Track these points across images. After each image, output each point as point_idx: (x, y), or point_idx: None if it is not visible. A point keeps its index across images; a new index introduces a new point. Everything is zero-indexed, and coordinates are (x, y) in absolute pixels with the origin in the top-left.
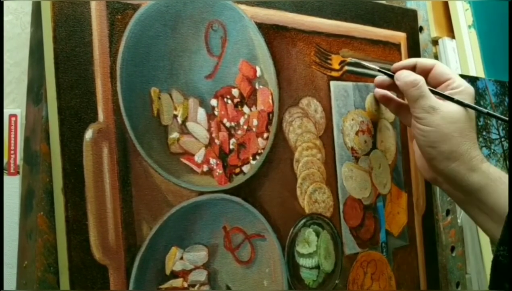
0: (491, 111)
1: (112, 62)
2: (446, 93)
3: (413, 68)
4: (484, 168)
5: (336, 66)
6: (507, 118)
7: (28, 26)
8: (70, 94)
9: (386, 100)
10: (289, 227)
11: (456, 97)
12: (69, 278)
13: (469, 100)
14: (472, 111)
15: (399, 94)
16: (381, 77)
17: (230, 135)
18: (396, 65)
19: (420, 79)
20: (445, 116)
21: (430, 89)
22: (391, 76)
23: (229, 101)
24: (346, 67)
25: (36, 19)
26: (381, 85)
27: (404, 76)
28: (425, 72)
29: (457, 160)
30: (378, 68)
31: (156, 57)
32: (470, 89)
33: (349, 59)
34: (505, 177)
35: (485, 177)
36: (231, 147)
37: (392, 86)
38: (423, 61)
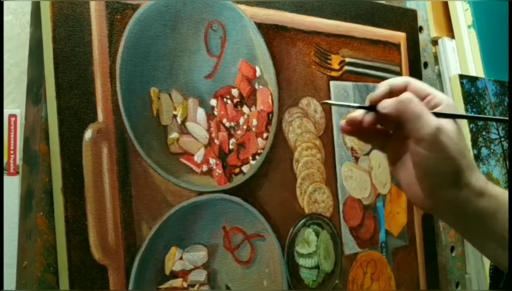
0: (491, 116)
1: (112, 62)
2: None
3: (389, 94)
4: (491, 190)
5: (335, 66)
6: (507, 118)
7: (27, 26)
8: (69, 94)
9: (367, 136)
10: (289, 227)
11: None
12: (68, 278)
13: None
14: (462, 130)
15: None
16: (355, 116)
17: (230, 136)
18: (374, 96)
19: (413, 96)
20: (450, 137)
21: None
22: (373, 109)
23: (229, 101)
24: (346, 67)
25: (35, 19)
26: (368, 123)
27: (393, 101)
28: (400, 93)
29: (466, 186)
30: (357, 105)
31: (156, 57)
32: (451, 102)
33: (322, 103)
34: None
35: (493, 200)
36: (230, 147)
37: (377, 121)
38: (395, 81)
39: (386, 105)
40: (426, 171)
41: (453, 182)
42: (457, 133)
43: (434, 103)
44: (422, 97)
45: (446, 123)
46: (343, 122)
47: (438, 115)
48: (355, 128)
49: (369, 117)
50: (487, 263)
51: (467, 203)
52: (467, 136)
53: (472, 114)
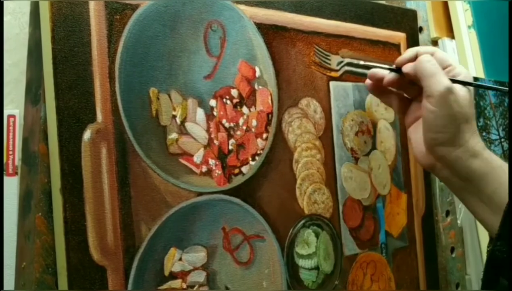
0: (496, 86)
1: (111, 63)
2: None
3: (414, 58)
4: (486, 155)
5: (335, 66)
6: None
7: (26, 26)
8: (68, 94)
9: (383, 94)
10: (289, 227)
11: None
12: (67, 279)
13: (470, 87)
14: (472, 100)
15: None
16: (390, 76)
17: (229, 136)
18: (401, 58)
19: (431, 57)
20: (457, 99)
21: None
22: (398, 71)
23: (228, 102)
24: (346, 68)
25: (34, 19)
26: (390, 83)
27: (415, 61)
28: None
29: (462, 146)
30: (388, 66)
31: (155, 58)
32: (470, 75)
33: (348, 60)
34: (506, 165)
35: (486, 164)
36: (230, 147)
37: (401, 83)
38: (423, 49)
39: (408, 66)
40: (430, 124)
41: (451, 139)
42: (465, 100)
43: (453, 73)
44: (444, 67)
45: (458, 88)
46: (368, 81)
47: (452, 81)
48: (375, 85)
49: (390, 76)
50: None
51: (460, 161)
52: None
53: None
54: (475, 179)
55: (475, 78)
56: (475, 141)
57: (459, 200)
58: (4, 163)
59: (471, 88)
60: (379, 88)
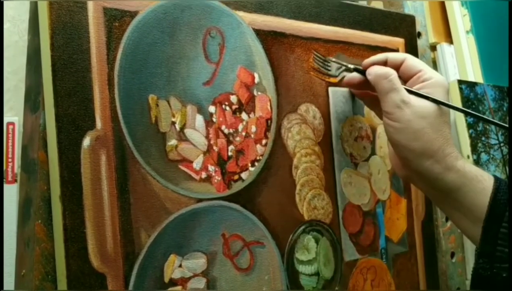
0: (463, 108)
1: (110, 70)
2: (417, 86)
3: (384, 63)
4: (459, 166)
5: (334, 72)
6: (467, 110)
7: (25, 33)
8: (67, 101)
9: (360, 95)
10: (288, 233)
11: (427, 89)
12: (67, 286)
13: (442, 92)
14: (444, 107)
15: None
16: (351, 75)
17: (229, 142)
18: (367, 61)
19: (392, 72)
20: (416, 111)
21: (405, 88)
22: (363, 72)
23: (227, 108)
24: (345, 73)
25: (33, 26)
26: (350, 83)
27: (376, 70)
28: (396, 67)
29: (431, 157)
30: (350, 65)
31: (154, 64)
32: (442, 80)
33: (314, 54)
34: (482, 175)
35: (461, 175)
36: (229, 153)
37: (363, 85)
38: (394, 55)
39: (370, 72)
40: (392, 139)
41: (416, 151)
42: (430, 110)
43: (423, 79)
44: (413, 73)
45: (416, 99)
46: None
47: (410, 92)
48: (350, 85)
49: (350, 76)
50: None
51: (433, 174)
52: (466, 142)
53: (472, 118)
54: (451, 191)
55: (474, 83)
56: (446, 151)
57: (441, 211)
58: (3, 170)
59: (444, 94)
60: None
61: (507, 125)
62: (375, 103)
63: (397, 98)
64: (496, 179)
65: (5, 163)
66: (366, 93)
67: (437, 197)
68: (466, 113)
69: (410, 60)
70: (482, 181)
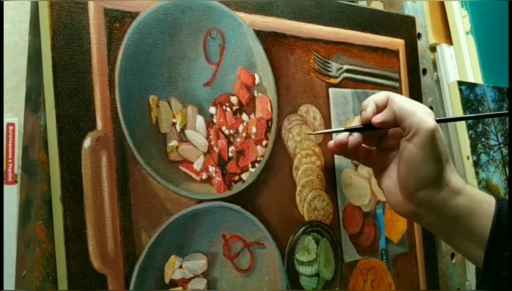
0: (486, 113)
1: (111, 70)
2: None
3: (381, 107)
4: (469, 190)
5: (334, 73)
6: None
7: (25, 34)
8: (68, 102)
9: (348, 152)
10: (289, 234)
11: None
12: (67, 287)
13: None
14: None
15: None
16: (350, 138)
17: (229, 143)
18: (365, 116)
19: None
20: (442, 138)
21: None
22: (367, 127)
23: (228, 109)
24: (345, 74)
25: (34, 27)
26: (349, 144)
27: (386, 109)
28: (384, 107)
29: (446, 186)
30: (350, 128)
31: (155, 65)
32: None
33: (315, 55)
34: (489, 197)
35: (470, 200)
36: (230, 154)
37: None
38: (376, 97)
39: (380, 116)
40: (414, 167)
41: (435, 180)
42: (444, 138)
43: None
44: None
45: (438, 126)
46: (331, 143)
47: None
48: (342, 149)
49: (354, 139)
50: None
51: (445, 202)
52: (466, 143)
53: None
54: (462, 217)
55: (474, 84)
56: (455, 178)
57: (449, 244)
58: (4, 171)
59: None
60: (341, 150)
61: (507, 112)
62: (372, 159)
63: (427, 119)
64: (498, 200)
65: (5, 164)
66: (360, 153)
67: (445, 229)
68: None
69: (393, 96)
70: (491, 203)
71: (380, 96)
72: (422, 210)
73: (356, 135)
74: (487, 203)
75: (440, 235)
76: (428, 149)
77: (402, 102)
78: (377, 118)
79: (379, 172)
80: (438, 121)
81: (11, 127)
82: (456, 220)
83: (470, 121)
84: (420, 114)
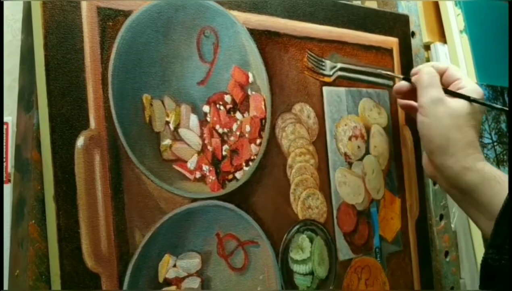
0: (493, 104)
1: (104, 69)
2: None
3: None
4: (479, 167)
5: (328, 71)
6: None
7: (19, 33)
8: (61, 101)
9: (408, 109)
10: (283, 233)
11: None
12: (61, 286)
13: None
14: (476, 111)
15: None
16: (399, 84)
17: (223, 142)
18: (413, 70)
19: (436, 73)
20: (448, 110)
21: (444, 89)
22: (409, 80)
23: (222, 108)
24: (339, 73)
25: (27, 26)
26: (400, 91)
27: (421, 70)
28: (439, 74)
29: (453, 156)
30: (399, 75)
31: (148, 64)
32: (476, 88)
33: (308, 53)
34: (501, 176)
35: (480, 175)
36: (223, 153)
37: (411, 95)
38: (438, 64)
39: (415, 71)
40: (420, 134)
41: (440, 148)
42: (461, 111)
43: (458, 87)
44: (452, 81)
45: (451, 101)
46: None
47: (447, 92)
48: (399, 94)
49: (398, 85)
50: None
51: (453, 172)
52: None
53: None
54: (469, 190)
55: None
56: (468, 152)
57: (464, 211)
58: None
59: (479, 94)
60: (405, 102)
61: (507, 109)
62: None
63: (434, 93)
64: None
65: None
66: (411, 106)
67: (457, 197)
68: (493, 108)
69: (452, 70)
70: (500, 182)
71: (440, 64)
72: (438, 174)
73: (402, 82)
74: (496, 181)
75: (456, 202)
76: (431, 120)
77: (423, 74)
78: (414, 78)
79: None
80: (450, 94)
81: (4, 126)
82: (464, 191)
83: None
84: (428, 88)
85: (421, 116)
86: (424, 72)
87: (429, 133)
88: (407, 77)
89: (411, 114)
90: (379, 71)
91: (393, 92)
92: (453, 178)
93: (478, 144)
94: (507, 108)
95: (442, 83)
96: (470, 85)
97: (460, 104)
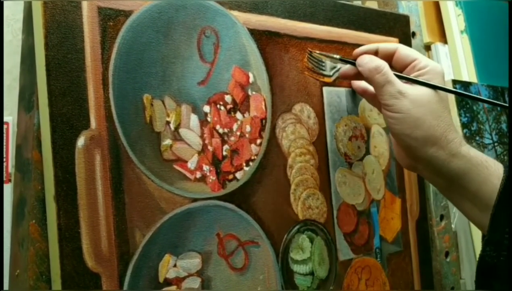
0: (460, 91)
1: (104, 69)
2: (413, 75)
3: (375, 53)
4: (464, 152)
5: (328, 72)
6: (471, 95)
7: (19, 33)
8: (62, 101)
9: (365, 94)
10: (283, 233)
11: (424, 77)
12: (61, 286)
13: (438, 80)
14: (443, 93)
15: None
16: (345, 67)
17: (223, 142)
18: (357, 50)
19: (384, 64)
20: (414, 99)
21: (395, 74)
22: (353, 64)
23: (222, 108)
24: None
25: (27, 26)
26: (346, 76)
27: (366, 63)
28: (389, 57)
29: (435, 144)
30: (338, 56)
31: (149, 64)
32: (438, 68)
33: (308, 52)
34: (487, 160)
35: (466, 161)
36: (224, 153)
37: (358, 75)
38: (385, 45)
39: (360, 63)
40: (394, 130)
41: (420, 139)
42: (428, 97)
43: (418, 67)
44: (409, 63)
45: (412, 88)
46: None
47: (400, 77)
48: (346, 78)
49: (344, 68)
50: None
51: (439, 162)
52: None
53: (466, 118)
54: (456, 178)
55: (468, 83)
56: (449, 137)
57: (447, 199)
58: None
59: (441, 81)
60: (360, 86)
61: (507, 105)
62: (376, 98)
63: (393, 90)
64: (506, 167)
65: None
66: (366, 90)
67: (442, 185)
68: (463, 96)
69: (403, 50)
70: (488, 167)
71: (387, 45)
72: (419, 165)
73: (348, 66)
74: (483, 166)
75: (440, 191)
76: (400, 115)
77: (375, 72)
78: (359, 63)
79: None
80: (399, 77)
81: (5, 126)
82: (451, 179)
83: (464, 119)
84: (385, 86)
85: (388, 112)
86: (372, 72)
87: (401, 128)
88: (346, 59)
89: (364, 97)
90: (314, 52)
91: (340, 77)
92: (437, 167)
93: (455, 127)
94: (478, 96)
95: (393, 67)
96: (431, 64)
97: (423, 89)
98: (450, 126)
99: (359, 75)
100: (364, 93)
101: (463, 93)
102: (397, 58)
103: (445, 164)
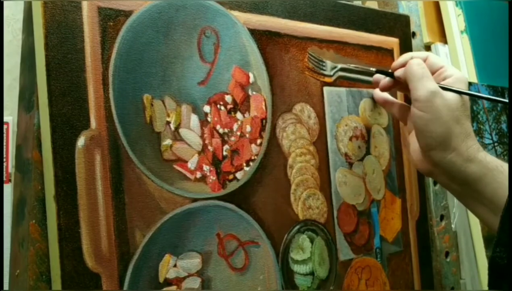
0: (488, 96)
1: (104, 69)
2: (439, 81)
3: None
4: (480, 157)
5: (329, 71)
6: (506, 100)
7: (19, 33)
8: (62, 101)
9: (386, 104)
10: (283, 233)
11: (449, 85)
12: (61, 286)
13: (463, 87)
14: (467, 101)
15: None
16: (384, 81)
17: (223, 142)
18: (395, 63)
19: (420, 60)
20: (445, 102)
21: None
22: (391, 75)
23: (222, 108)
24: (339, 73)
25: (27, 26)
26: (384, 88)
27: (411, 62)
28: None
29: (454, 150)
30: (374, 69)
31: (149, 64)
32: (463, 76)
33: (344, 66)
34: (502, 165)
35: (482, 166)
36: (224, 153)
37: (394, 86)
38: (417, 54)
39: (399, 70)
40: (419, 129)
41: (442, 143)
42: (455, 102)
43: (444, 75)
44: (435, 70)
45: (444, 92)
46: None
47: (441, 87)
48: (384, 90)
49: (384, 81)
50: (482, 268)
51: (455, 166)
52: None
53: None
54: (472, 182)
55: (469, 83)
56: (468, 144)
57: (463, 205)
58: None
59: (465, 88)
60: (382, 97)
61: (506, 101)
62: (404, 112)
63: (431, 85)
64: None
65: None
66: (387, 100)
67: (458, 191)
68: (491, 100)
69: (433, 58)
70: (504, 172)
71: (419, 53)
72: (436, 170)
73: (387, 79)
74: (499, 171)
75: (455, 196)
76: (429, 114)
77: (413, 66)
78: (398, 72)
79: (410, 128)
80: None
81: (5, 126)
82: (467, 184)
83: None
84: (423, 80)
85: (419, 111)
86: (414, 64)
87: (428, 129)
88: (383, 70)
89: (385, 108)
90: (349, 66)
91: (380, 89)
92: (454, 172)
93: (474, 135)
94: (506, 101)
95: None
96: (456, 73)
97: (453, 95)
98: (470, 134)
99: (394, 87)
100: (385, 103)
101: (490, 98)
102: (427, 65)
103: (462, 169)
